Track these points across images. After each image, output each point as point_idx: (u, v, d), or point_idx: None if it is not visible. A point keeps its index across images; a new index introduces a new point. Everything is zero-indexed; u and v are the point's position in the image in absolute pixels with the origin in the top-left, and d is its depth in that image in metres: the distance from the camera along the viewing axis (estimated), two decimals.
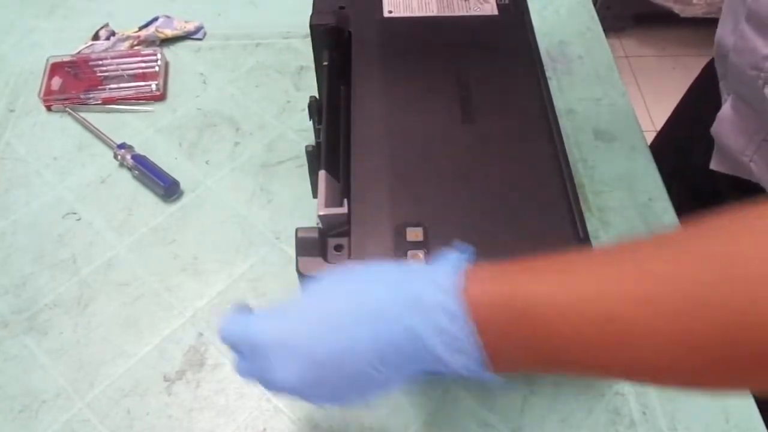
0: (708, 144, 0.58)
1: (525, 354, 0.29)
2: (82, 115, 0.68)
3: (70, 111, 0.68)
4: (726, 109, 0.55)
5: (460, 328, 0.28)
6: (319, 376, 0.32)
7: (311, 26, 0.59)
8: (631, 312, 0.27)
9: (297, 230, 0.44)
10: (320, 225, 0.45)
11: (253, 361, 0.34)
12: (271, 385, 0.34)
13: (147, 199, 0.62)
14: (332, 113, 0.52)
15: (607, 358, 0.28)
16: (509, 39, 0.55)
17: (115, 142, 0.65)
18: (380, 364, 0.31)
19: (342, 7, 0.60)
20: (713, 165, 0.58)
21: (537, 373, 0.34)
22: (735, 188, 0.57)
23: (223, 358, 0.52)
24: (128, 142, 0.65)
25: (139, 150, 0.64)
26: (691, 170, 0.66)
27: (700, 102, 0.65)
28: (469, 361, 0.29)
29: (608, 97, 0.71)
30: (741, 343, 0.25)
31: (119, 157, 0.64)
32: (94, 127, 0.67)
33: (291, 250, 0.58)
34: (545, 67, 0.55)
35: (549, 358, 0.29)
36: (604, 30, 0.79)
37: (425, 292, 0.30)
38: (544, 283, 0.29)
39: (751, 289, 0.25)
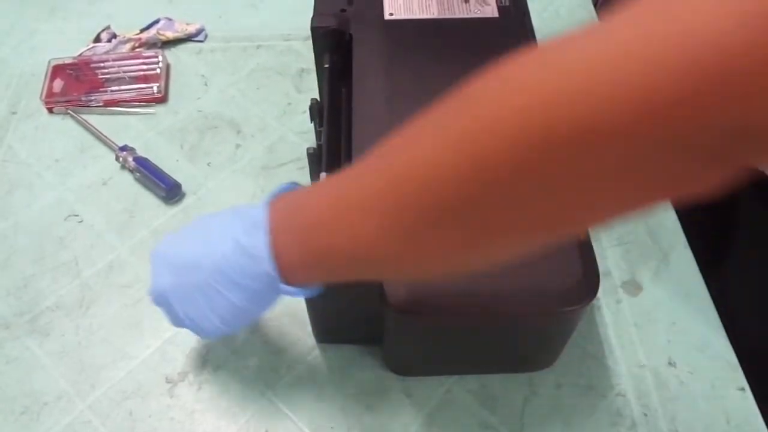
0: None
1: (300, 250, 0.35)
2: (84, 117, 0.68)
3: (72, 113, 0.69)
4: None
5: (260, 236, 0.35)
6: (178, 282, 0.40)
7: (312, 28, 0.59)
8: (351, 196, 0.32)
9: None
10: None
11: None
12: (153, 293, 0.42)
13: (148, 201, 0.62)
14: (333, 115, 0.52)
15: (346, 233, 0.32)
16: (510, 41, 0.55)
17: (116, 144, 0.65)
18: (219, 274, 0.38)
19: (343, 10, 0.60)
20: None
21: (321, 278, 0.38)
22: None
23: (225, 360, 0.52)
24: (130, 145, 0.65)
25: (141, 152, 0.64)
26: None
27: None
28: (265, 268, 0.35)
29: None
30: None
31: (121, 159, 0.64)
32: (96, 129, 0.67)
33: None
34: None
35: (314, 249, 0.34)
36: None
37: (247, 216, 0.37)
38: (312, 190, 0.37)
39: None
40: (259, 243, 0.35)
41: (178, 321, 0.42)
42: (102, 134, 0.66)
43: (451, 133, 0.27)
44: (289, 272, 0.36)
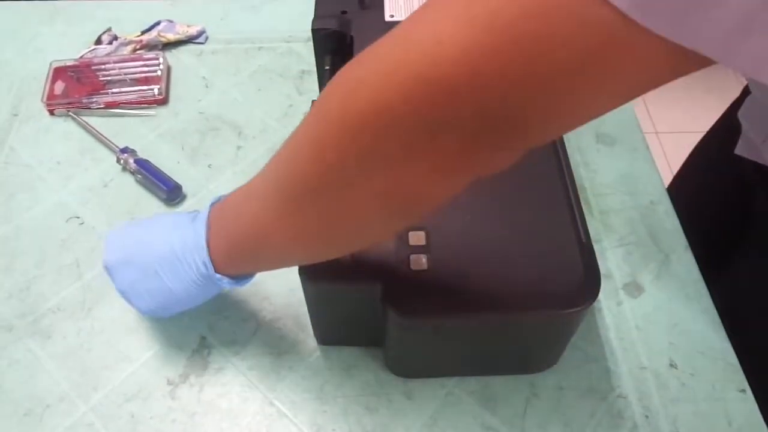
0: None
1: (227, 243, 0.41)
2: (85, 119, 0.68)
3: (73, 115, 0.69)
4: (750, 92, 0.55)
5: (201, 231, 0.42)
6: (125, 260, 0.46)
7: (313, 30, 0.59)
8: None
9: None
10: None
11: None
12: (104, 264, 0.47)
13: (149, 203, 0.62)
14: None
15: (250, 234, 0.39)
16: None
17: (117, 147, 0.65)
18: (164, 261, 0.43)
19: (344, 12, 0.60)
20: (737, 150, 0.57)
21: (244, 266, 0.44)
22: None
23: (226, 362, 0.52)
24: (131, 146, 0.65)
25: (142, 154, 0.64)
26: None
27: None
28: (202, 257, 0.42)
29: None
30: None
31: (122, 161, 0.64)
32: (97, 131, 0.67)
33: None
34: None
35: (231, 237, 0.41)
36: None
37: (196, 215, 0.44)
38: (238, 189, 0.41)
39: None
40: (198, 235, 0.42)
41: (119, 291, 0.47)
42: (103, 136, 0.66)
43: (304, 126, 0.33)
44: (220, 263, 0.42)
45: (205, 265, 0.42)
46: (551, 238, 0.44)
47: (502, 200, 0.46)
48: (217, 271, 0.42)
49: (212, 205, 0.43)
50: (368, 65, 0.28)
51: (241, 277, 0.44)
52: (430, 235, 0.44)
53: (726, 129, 0.63)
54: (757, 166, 0.54)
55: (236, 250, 0.41)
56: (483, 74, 0.24)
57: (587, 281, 0.41)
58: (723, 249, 0.67)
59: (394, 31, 0.28)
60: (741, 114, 0.56)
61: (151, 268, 0.44)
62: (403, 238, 0.44)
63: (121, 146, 0.65)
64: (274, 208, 0.36)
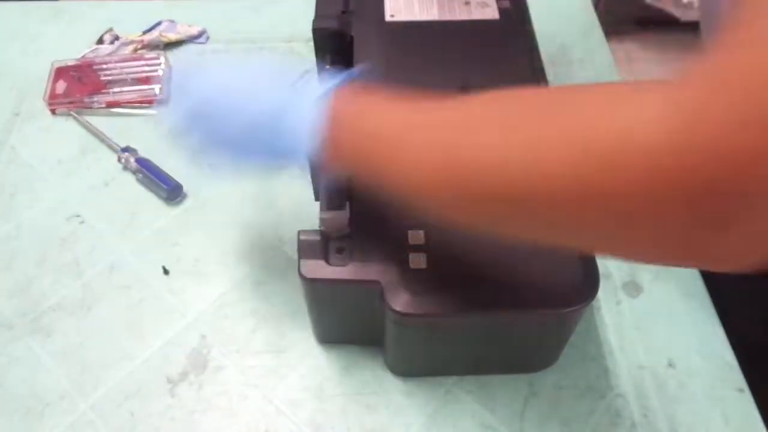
0: None
1: (350, 150, 0.36)
2: (86, 118, 0.68)
3: (75, 115, 0.69)
4: None
5: (316, 115, 0.37)
6: (207, 97, 0.41)
7: (314, 30, 0.59)
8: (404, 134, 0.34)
9: (299, 233, 0.45)
10: (322, 227, 0.45)
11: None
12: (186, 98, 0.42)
13: (150, 202, 0.62)
14: None
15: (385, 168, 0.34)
16: (510, 43, 0.56)
17: (118, 146, 0.65)
18: (260, 133, 0.39)
19: (344, 11, 0.60)
20: None
21: (358, 173, 0.38)
22: None
23: (225, 360, 0.52)
24: (132, 146, 0.65)
25: (143, 153, 0.65)
26: None
27: None
28: (313, 141, 0.37)
29: None
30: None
31: (123, 160, 0.64)
32: (98, 130, 0.67)
33: (293, 253, 0.58)
34: (546, 70, 0.55)
35: (361, 158, 0.36)
36: (606, 33, 0.79)
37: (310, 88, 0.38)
38: (380, 103, 0.36)
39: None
40: (313, 130, 0.36)
41: (190, 146, 0.43)
42: (104, 136, 0.67)
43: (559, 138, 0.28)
44: (335, 162, 0.37)
45: (310, 158, 0.38)
46: None
47: None
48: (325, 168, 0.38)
49: (332, 95, 0.37)
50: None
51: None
52: (429, 234, 0.44)
53: None
54: None
55: (360, 156, 0.36)
56: None
57: (586, 280, 0.42)
58: None
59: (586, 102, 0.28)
60: None
61: (246, 133, 0.40)
62: (402, 236, 0.44)
63: (123, 145, 0.65)
64: (442, 176, 0.32)
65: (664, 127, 0.23)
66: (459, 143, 0.31)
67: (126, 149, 0.65)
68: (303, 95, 0.39)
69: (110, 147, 0.66)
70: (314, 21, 0.59)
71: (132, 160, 0.63)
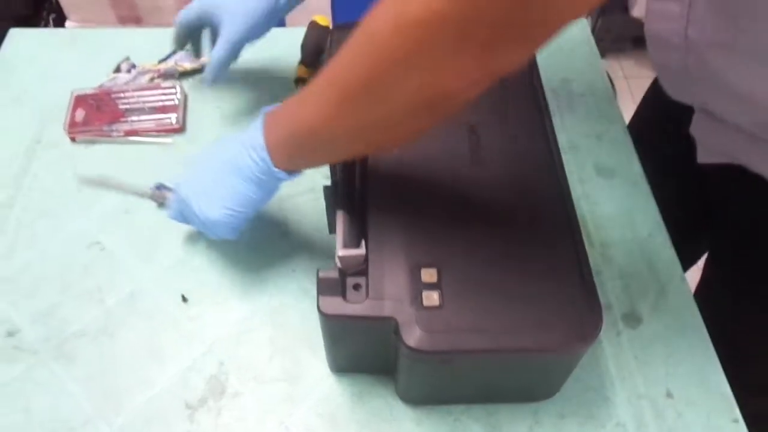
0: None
1: (284, 141, 0.48)
2: (105, 146, 0.71)
3: (94, 142, 0.71)
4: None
5: (257, 134, 0.49)
6: (194, 177, 0.55)
7: (295, 80, 0.62)
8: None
9: (318, 271, 0.47)
10: (339, 265, 0.48)
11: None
12: (174, 189, 0.58)
13: (168, 229, 0.64)
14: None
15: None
16: (516, 79, 0.58)
17: (150, 186, 0.66)
18: (227, 164, 0.52)
19: None
20: (699, 159, 0.62)
21: (300, 164, 0.51)
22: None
23: (243, 387, 0.54)
24: (149, 174, 0.67)
25: (159, 180, 0.67)
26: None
27: None
28: (262, 155, 0.49)
29: (609, 133, 0.74)
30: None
31: (156, 197, 0.65)
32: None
33: (307, 282, 0.61)
34: (549, 103, 0.58)
35: (289, 131, 0.48)
36: (603, 51, 0.82)
37: (251, 129, 0.51)
38: (288, 101, 0.48)
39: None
40: (256, 138, 0.49)
41: (193, 218, 0.56)
42: (122, 167, 0.69)
43: (356, 39, 0.40)
44: (277, 157, 0.49)
45: (264, 161, 0.49)
46: (556, 276, 0.47)
47: (510, 238, 0.49)
48: (275, 166, 0.49)
49: (264, 113, 0.50)
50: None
51: (295, 172, 0.51)
52: (442, 271, 0.47)
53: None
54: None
55: (292, 147, 0.48)
56: None
57: (589, 320, 0.44)
58: (714, 276, 0.70)
59: None
60: (692, 130, 0.60)
61: (216, 172, 0.53)
62: (416, 274, 0.47)
63: (140, 174, 0.67)
64: (327, 105, 0.43)
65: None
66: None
67: (159, 186, 0.66)
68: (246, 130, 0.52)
69: (140, 193, 0.66)
70: (324, 64, 0.62)
71: (169, 195, 0.64)
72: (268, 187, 0.52)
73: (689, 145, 0.62)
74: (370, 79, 0.39)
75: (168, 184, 0.64)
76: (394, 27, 0.36)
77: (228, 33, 0.65)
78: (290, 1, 0.66)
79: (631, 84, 2.00)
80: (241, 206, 0.53)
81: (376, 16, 0.38)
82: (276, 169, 0.49)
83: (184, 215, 0.58)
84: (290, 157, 0.49)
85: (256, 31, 0.66)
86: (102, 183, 0.67)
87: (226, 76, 0.69)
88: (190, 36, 0.73)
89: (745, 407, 0.53)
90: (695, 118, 0.59)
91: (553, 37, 0.35)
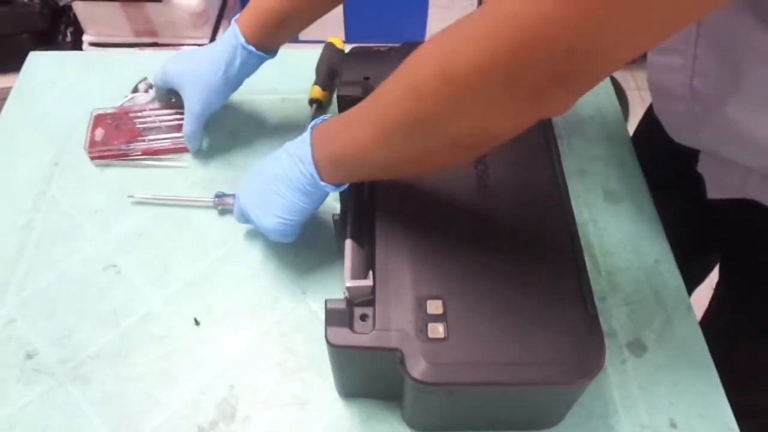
0: None
1: (330, 159, 0.51)
2: (122, 169, 0.72)
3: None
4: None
5: (305, 148, 0.52)
6: (250, 190, 0.59)
7: (338, 97, 0.63)
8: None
9: (326, 302, 0.48)
10: (347, 295, 0.49)
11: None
12: (236, 202, 0.63)
13: (181, 253, 0.66)
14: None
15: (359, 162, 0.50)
16: None
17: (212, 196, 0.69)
18: (277, 179, 0.55)
19: (367, 78, 0.64)
20: (710, 195, 0.62)
21: (345, 179, 0.53)
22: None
23: (252, 411, 0.56)
24: (162, 194, 0.69)
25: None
26: None
27: None
28: (310, 169, 0.52)
29: (617, 157, 0.74)
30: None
31: (219, 205, 0.68)
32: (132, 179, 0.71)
33: (315, 305, 0.62)
34: (556, 127, 0.58)
35: (335, 152, 0.51)
36: None
37: (299, 142, 0.54)
38: (336, 116, 0.53)
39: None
40: (305, 153, 0.52)
41: (253, 220, 0.59)
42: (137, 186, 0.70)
43: (399, 77, 0.43)
44: (324, 172, 0.52)
45: (312, 175, 0.52)
46: (560, 309, 0.47)
47: (515, 269, 0.50)
48: (321, 180, 0.52)
49: (312, 128, 0.53)
50: (460, 36, 0.38)
51: (341, 184, 0.53)
52: (447, 303, 0.48)
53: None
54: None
55: (336, 165, 0.51)
56: (555, 39, 0.33)
57: (593, 355, 0.45)
58: (721, 306, 0.70)
59: (476, 11, 0.38)
60: (700, 169, 0.60)
61: (269, 183, 0.56)
62: (422, 306, 0.48)
63: (154, 193, 0.69)
64: (371, 136, 0.46)
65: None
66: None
67: (220, 195, 0.68)
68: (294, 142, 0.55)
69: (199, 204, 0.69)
70: (339, 88, 0.63)
71: (230, 200, 0.67)
72: (316, 196, 0.55)
73: (697, 178, 0.62)
74: (415, 122, 0.42)
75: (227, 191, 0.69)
76: (442, 79, 0.38)
77: (190, 106, 0.70)
78: (242, 73, 0.69)
79: (644, 95, 2.00)
80: (292, 215, 0.56)
81: (419, 66, 0.41)
82: (323, 183, 0.52)
83: (246, 218, 0.61)
84: (336, 173, 0.52)
85: (214, 101, 0.70)
86: (158, 200, 0.70)
87: (200, 145, 0.74)
88: (170, 92, 0.75)
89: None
90: (702, 157, 0.59)
91: (598, 82, 0.37)
